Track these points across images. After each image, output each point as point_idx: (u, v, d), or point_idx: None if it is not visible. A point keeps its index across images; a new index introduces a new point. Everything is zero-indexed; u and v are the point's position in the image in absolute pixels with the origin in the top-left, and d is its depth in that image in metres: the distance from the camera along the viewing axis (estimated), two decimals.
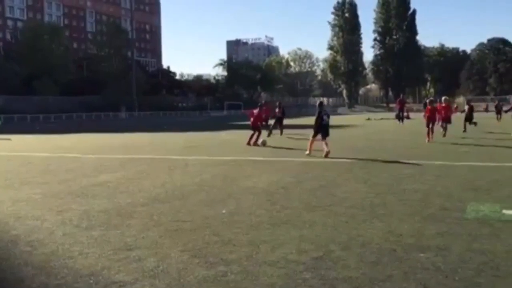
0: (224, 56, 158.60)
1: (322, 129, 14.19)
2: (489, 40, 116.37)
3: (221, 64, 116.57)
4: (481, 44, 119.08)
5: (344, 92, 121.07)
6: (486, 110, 62.12)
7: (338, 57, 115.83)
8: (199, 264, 4.67)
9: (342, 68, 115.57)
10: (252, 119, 18.79)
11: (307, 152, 14.08)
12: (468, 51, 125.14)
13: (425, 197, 7.64)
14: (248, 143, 17.80)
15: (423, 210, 6.70)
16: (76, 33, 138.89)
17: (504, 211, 6.53)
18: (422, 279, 4.16)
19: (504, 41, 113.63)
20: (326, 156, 13.31)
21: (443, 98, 23.40)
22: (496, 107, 40.62)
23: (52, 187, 9.34)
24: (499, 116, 37.75)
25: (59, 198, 8.16)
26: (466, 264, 4.50)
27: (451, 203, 7.16)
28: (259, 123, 18.74)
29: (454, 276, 4.22)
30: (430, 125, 18.44)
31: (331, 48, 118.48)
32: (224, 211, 6.88)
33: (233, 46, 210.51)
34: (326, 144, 13.78)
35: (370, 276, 4.26)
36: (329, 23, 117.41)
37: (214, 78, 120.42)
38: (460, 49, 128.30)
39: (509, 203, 7.04)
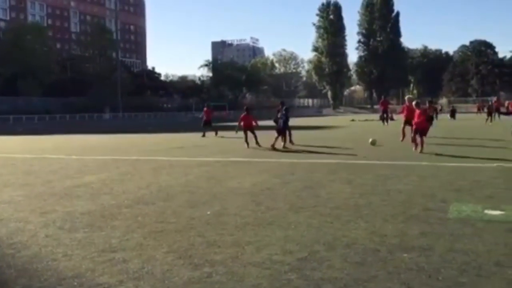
0: (209, 57, 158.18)
1: (279, 132, 17.47)
2: (471, 42, 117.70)
3: (206, 65, 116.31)
4: (463, 46, 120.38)
5: (329, 93, 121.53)
6: (479, 110, 60.52)
7: (323, 59, 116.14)
8: (184, 265, 4.66)
9: (327, 69, 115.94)
10: (242, 123, 18.73)
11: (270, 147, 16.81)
12: (451, 53, 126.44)
13: (409, 198, 7.70)
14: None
15: (407, 211, 6.75)
16: (59, 33, 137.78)
17: (486, 211, 6.61)
18: (406, 279, 4.19)
19: (486, 43, 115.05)
20: (284, 147, 17.03)
21: (406, 97, 21.31)
22: (488, 108, 38.82)
23: (35, 189, 9.25)
24: (490, 118, 36.10)
25: (42, 200, 8.09)
26: (449, 264, 4.54)
27: (434, 203, 7.23)
28: (254, 124, 18.56)
29: (437, 276, 4.26)
30: (419, 133, 14.97)
31: (315, 49, 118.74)
32: (209, 212, 6.88)
33: (218, 47, 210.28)
34: (283, 140, 17.44)
35: (355, 276, 4.28)
36: (314, 24, 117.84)
37: (199, 79, 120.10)
38: (443, 51, 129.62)
39: (491, 203, 7.13)
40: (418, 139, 14.95)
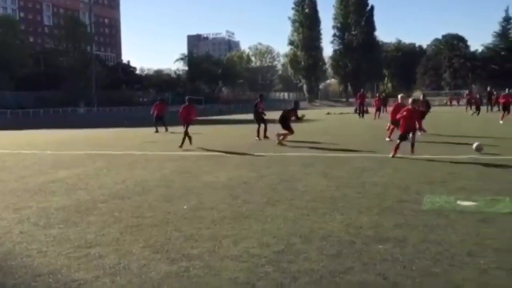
0: (185, 50, 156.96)
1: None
2: (443, 36, 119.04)
3: (181, 59, 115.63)
4: (436, 40, 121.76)
5: (305, 87, 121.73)
6: (451, 103, 60.86)
7: (298, 52, 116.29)
8: (161, 260, 4.65)
9: (303, 63, 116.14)
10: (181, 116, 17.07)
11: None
12: (424, 46, 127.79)
13: (383, 190, 7.80)
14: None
15: (381, 203, 6.84)
16: (32, 27, 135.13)
17: (459, 202, 6.74)
18: (381, 270, 4.26)
19: (458, 37, 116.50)
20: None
21: (400, 96, 17.01)
22: (489, 93, 37.37)
23: (8, 185, 9.12)
24: (478, 111, 34.44)
25: (16, 196, 7.97)
26: (423, 255, 4.63)
27: (409, 195, 7.34)
28: (192, 118, 16.98)
29: (411, 267, 4.33)
30: (410, 135, 12.33)
31: (291, 43, 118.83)
32: (185, 207, 6.87)
33: (194, 40, 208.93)
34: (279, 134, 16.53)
35: (331, 268, 4.33)
36: (290, 18, 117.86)
37: (175, 72, 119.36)
38: (417, 45, 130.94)
39: (464, 194, 7.26)
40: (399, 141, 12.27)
